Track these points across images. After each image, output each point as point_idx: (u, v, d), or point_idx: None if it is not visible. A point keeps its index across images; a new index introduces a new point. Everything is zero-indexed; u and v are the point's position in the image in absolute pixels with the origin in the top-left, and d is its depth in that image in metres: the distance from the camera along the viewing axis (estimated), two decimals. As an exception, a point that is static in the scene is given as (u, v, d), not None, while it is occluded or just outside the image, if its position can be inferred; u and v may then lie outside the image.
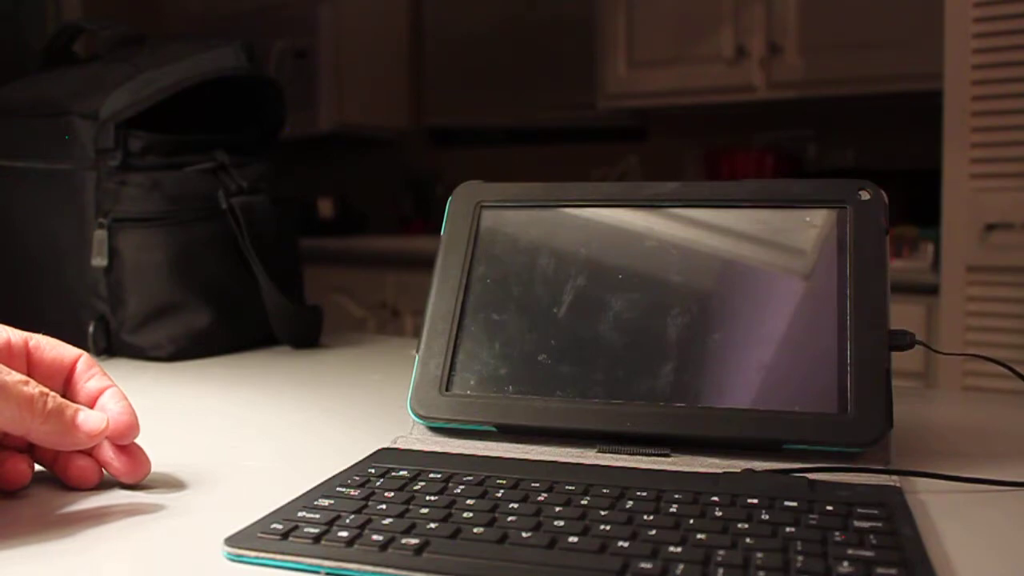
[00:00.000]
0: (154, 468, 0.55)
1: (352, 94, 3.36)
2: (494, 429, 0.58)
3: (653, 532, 0.42)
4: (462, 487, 0.48)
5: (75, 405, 0.49)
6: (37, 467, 0.52)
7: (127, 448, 0.51)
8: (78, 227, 0.96)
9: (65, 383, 0.53)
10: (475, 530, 0.42)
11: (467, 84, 3.51)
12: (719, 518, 0.43)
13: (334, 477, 0.51)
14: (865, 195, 0.59)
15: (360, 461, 0.54)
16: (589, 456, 0.55)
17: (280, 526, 0.43)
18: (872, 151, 2.80)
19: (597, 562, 0.39)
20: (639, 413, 0.55)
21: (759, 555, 0.39)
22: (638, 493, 0.47)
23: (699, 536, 0.41)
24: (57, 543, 0.44)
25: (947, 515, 0.47)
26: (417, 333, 0.62)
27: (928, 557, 0.39)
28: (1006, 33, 1.84)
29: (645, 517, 0.43)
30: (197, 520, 0.47)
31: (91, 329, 0.95)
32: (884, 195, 0.59)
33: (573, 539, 0.41)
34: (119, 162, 0.95)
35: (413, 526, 0.42)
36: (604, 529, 0.42)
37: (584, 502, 0.46)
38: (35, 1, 3.02)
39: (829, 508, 0.45)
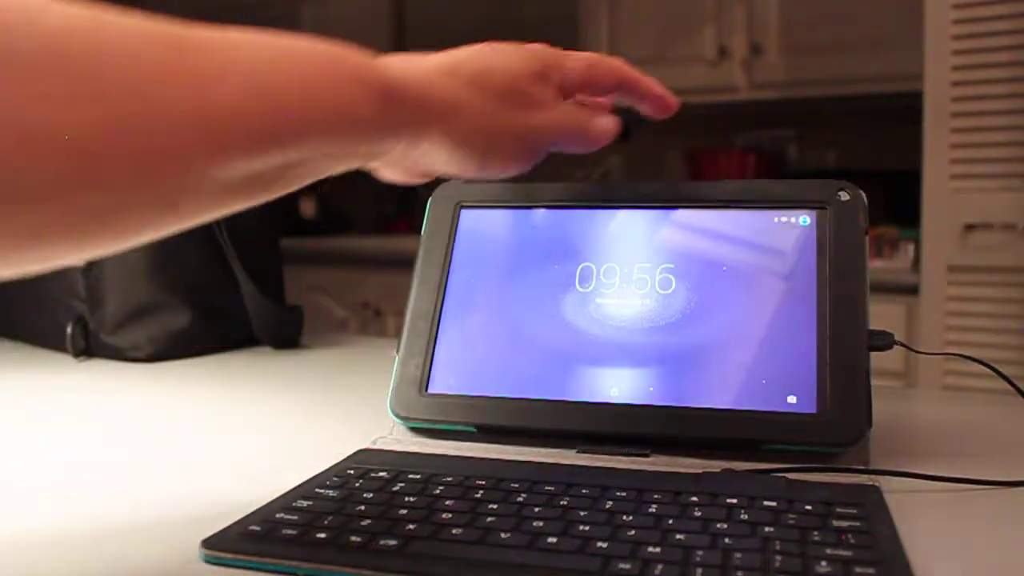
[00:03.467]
0: (131, 469, 0.54)
1: (335, 94, 3.35)
2: (474, 429, 0.58)
3: (632, 532, 0.42)
4: (442, 487, 0.48)
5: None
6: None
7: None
8: (56, 227, 0.95)
9: None
10: (454, 530, 0.42)
11: (450, 84, 3.50)
12: (698, 518, 0.44)
13: (313, 478, 0.51)
14: (845, 196, 0.59)
15: (340, 462, 0.54)
16: (569, 456, 0.55)
17: (258, 527, 0.42)
18: (853, 152, 2.81)
19: (576, 562, 0.39)
20: (619, 413, 0.55)
21: (738, 555, 0.39)
22: (618, 493, 0.47)
23: (678, 536, 0.41)
24: (32, 542, 0.43)
25: (925, 515, 0.47)
26: (398, 333, 0.62)
27: (906, 556, 0.39)
28: (985, 35, 1.86)
29: (624, 517, 0.43)
30: (174, 522, 0.47)
31: (70, 330, 0.94)
32: (863, 196, 0.60)
33: (552, 539, 0.41)
34: (98, 161, 0.94)
35: (392, 527, 0.42)
36: (584, 529, 0.42)
37: (564, 502, 0.46)
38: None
39: (808, 508, 0.45)
